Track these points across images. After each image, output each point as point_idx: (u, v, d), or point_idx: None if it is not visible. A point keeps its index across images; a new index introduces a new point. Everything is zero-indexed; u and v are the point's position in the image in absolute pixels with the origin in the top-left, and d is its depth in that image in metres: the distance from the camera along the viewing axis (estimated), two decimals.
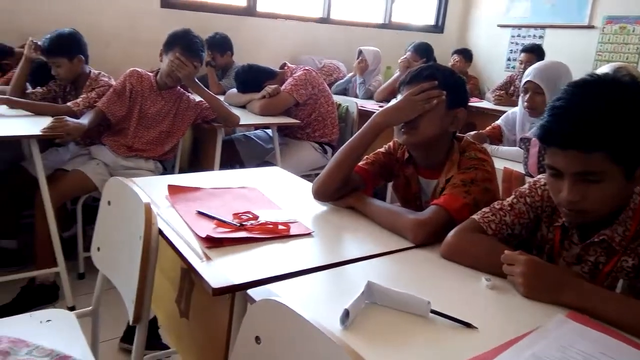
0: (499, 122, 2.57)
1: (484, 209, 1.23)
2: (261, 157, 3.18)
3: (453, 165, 1.41)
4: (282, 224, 1.30)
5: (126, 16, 3.48)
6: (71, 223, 2.62)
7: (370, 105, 3.68)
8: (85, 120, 2.36)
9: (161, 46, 2.52)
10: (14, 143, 2.64)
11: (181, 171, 2.93)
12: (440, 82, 1.37)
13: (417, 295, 0.95)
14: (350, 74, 4.26)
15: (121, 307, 1.24)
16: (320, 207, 1.50)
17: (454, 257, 1.18)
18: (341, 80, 4.26)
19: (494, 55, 5.48)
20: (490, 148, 2.27)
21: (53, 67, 2.52)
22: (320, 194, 1.50)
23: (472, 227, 1.19)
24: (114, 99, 2.47)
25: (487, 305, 1.02)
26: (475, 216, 1.21)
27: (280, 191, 1.62)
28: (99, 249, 1.41)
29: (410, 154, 1.52)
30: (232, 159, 3.15)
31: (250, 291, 1.02)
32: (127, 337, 1.98)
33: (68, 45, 2.51)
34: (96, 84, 2.58)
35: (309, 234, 1.29)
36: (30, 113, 2.41)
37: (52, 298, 2.33)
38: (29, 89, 2.58)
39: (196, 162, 3.25)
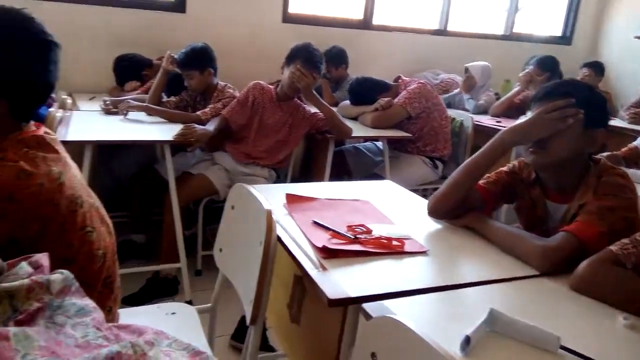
0: (636, 142, 2.34)
1: (622, 240, 1.11)
2: (370, 170, 3.19)
3: (588, 190, 1.29)
4: (396, 239, 1.29)
5: (250, 32, 3.70)
6: (192, 223, 2.83)
7: (486, 120, 3.53)
8: (210, 127, 2.53)
9: (282, 59, 2.65)
10: (149, 146, 2.92)
11: (293, 179, 3.03)
12: (578, 99, 1.27)
13: (544, 328, 0.88)
14: (456, 91, 4.09)
15: (233, 306, 1.30)
16: (435, 225, 1.46)
17: (587, 291, 1.08)
18: (444, 96, 4.11)
19: (628, 70, 4.97)
20: (629, 172, 2.06)
21: (186, 79, 2.75)
22: (437, 211, 1.46)
23: (608, 259, 1.09)
24: (237, 108, 2.63)
25: (624, 347, 0.92)
26: (612, 247, 1.10)
27: (392, 205, 1.61)
28: (221, 249, 1.50)
29: (537, 175, 1.42)
30: (341, 170, 3.19)
31: (365, 305, 1.02)
32: (238, 335, 2.08)
33: (200, 58, 2.72)
34: (222, 95, 2.77)
35: (423, 252, 1.26)
36: (164, 120, 2.65)
37: (173, 291, 2.52)
38: (164, 98, 2.84)
39: (307, 171, 3.34)
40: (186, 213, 2.75)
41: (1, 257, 0.95)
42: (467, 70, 3.91)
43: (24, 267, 0.63)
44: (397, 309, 0.99)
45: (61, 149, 1.06)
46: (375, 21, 4.22)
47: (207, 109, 2.70)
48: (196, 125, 2.42)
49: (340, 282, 1.07)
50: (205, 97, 2.84)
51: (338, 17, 4.11)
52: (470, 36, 4.66)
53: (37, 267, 0.64)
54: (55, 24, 3.22)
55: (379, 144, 3.24)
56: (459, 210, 1.43)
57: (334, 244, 1.23)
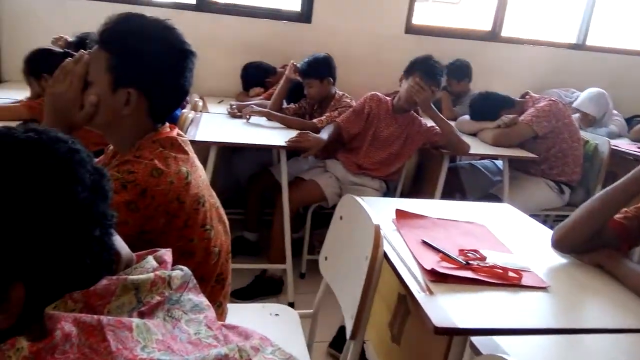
0: None
1: None
2: (485, 189, 3.02)
3: None
4: (512, 270, 1.19)
5: (372, 42, 3.71)
6: (301, 226, 2.90)
7: (626, 145, 3.17)
8: (324, 134, 2.57)
9: (402, 71, 2.61)
10: (266, 150, 3.05)
11: (403, 193, 2.98)
12: None
13: None
14: None
15: (334, 312, 1.30)
16: (559, 259, 1.33)
17: None
18: (576, 115, 3.73)
19: None
20: None
21: (306, 87, 2.84)
22: (563, 244, 1.33)
23: None
24: (352, 117, 2.65)
25: None
26: None
27: (510, 231, 1.50)
28: (326, 258, 1.51)
29: None
30: (454, 187, 3.07)
31: (473, 338, 0.96)
32: (336, 343, 2.09)
33: (321, 68, 2.79)
34: (339, 104, 2.81)
35: (543, 288, 1.15)
36: (282, 126, 2.75)
37: (277, 291, 2.61)
38: (285, 105, 2.96)
39: (418, 185, 3.26)
40: (295, 216, 2.83)
41: (131, 245, 1.05)
42: (577, 110, 3.49)
43: (150, 261, 0.67)
44: (510, 347, 0.92)
45: (190, 150, 1.14)
46: (504, 33, 4.01)
47: (323, 117, 2.75)
48: (311, 133, 2.47)
49: (447, 309, 1.02)
50: (322, 105, 2.90)
51: (463, 28, 3.97)
52: (613, 51, 4.23)
53: (161, 262, 0.68)
54: (196, 32, 3.48)
55: (499, 162, 3.06)
56: (588, 246, 1.29)
57: (444, 268, 1.17)
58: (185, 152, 1.11)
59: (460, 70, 3.60)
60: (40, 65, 2.20)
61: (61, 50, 2.32)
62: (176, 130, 1.15)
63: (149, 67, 1.04)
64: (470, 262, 1.21)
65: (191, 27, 3.38)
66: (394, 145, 2.66)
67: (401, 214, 1.49)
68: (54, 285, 0.55)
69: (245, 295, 2.50)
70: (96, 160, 1.26)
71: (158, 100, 1.08)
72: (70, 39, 2.72)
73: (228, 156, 3.15)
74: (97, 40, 1.05)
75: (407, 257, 1.24)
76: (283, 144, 2.39)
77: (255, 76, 3.31)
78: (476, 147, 2.78)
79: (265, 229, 2.84)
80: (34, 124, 0.61)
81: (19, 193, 0.52)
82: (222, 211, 1.25)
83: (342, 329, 2.08)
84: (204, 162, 2.28)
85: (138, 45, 1.03)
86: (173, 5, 3.43)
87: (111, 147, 1.22)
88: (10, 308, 0.53)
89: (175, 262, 0.71)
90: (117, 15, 1.05)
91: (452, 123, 2.82)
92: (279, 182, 2.49)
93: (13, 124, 2.05)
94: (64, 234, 0.55)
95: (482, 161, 3.23)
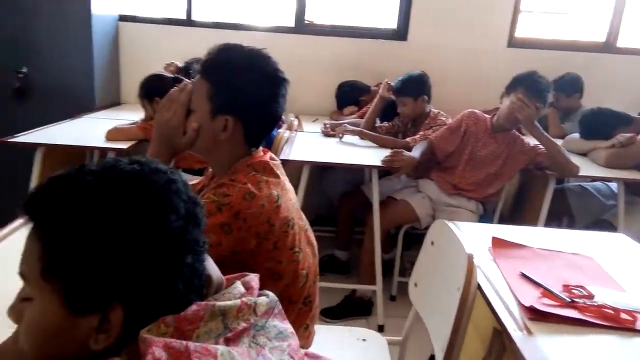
0: None
1: None
2: (597, 215, 2.77)
3: None
4: (625, 311, 1.07)
5: (471, 56, 3.59)
6: (392, 247, 2.85)
7: None
8: (416, 152, 2.51)
9: (502, 87, 2.49)
10: (358, 169, 3.06)
11: (502, 217, 2.81)
12: None
13: None
14: None
15: (424, 340, 1.25)
16: None
17: None
18: None
19: None
20: None
21: (399, 105, 2.80)
22: None
23: None
24: (446, 135, 2.57)
25: None
26: None
27: (624, 266, 1.35)
28: (416, 284, 1.47)
29: None
30: (561, 211, 2.84)
31: None
32: None
33: (415, 86, 2.74)
34: (434, 122, 2.74)
35: None
36: (375, 145, 2.74)
37: (366, 312, 2.57)
38: (378, 123, 2.95)
39: (519, 209, 3.07)
40: (387, 237, 2.79)
41: (222, 265, 1.09)
42: None
43: (238, 286, 0.69)
44: None
45: (282, 174, 1.18)
46: (620, 43, 3.67)
47: (416, 136, 2.70)
48: (404, 152, 2.43)
49: (548, 352, 0.93)
50: (416, 124, 2.84)
51: (573, 39, 3.70)
52: None
53: (248, 287, 0.70)
54: (293, 53, 3.63)
55: (613, 185, 2.79)
56: None
57: (545, 305, 1.08)
58: (277, 176, 1.15)
59: (570, 84, 3.34)
60: (152, 89, 2.41)
61: (171, 76, 2.52)
62: (269, 154, 1.19)
63: (244, 95, 1.09)
64: (576, 299, 1.10)
65: (289, 49, 3.55)
66: (493, 165, 2.53)
67: (498, 243, 1.40)
68: (149, 309, 0.59)
69: (334, 314, 2.50)
70: (198, 180, 1.34)
71: (253, 126, 1.13)
72: (179, 64, 2.95)
73: (320, 174, 3.20)
74: (199, 71, 1.13)
75: (503, 291, 1.16)
76: (375, 163, 2.38)
77: (349, 95, 3.35)
78: (587, 168, 2.56)
79: (356, 248, 2.83)
80: (138, 156, 0.66)
81: (121, 220, 0.57)
82: (311, 234, 1.26)
83: (432, 358, 2.00)
84: (297, 181, 2.34)
85: (234, 75, 1.08)
86: (273, 28, 3.58)
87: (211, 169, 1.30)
88: (111, 329, 0.57)
89: (264, 283, 0.73)
90: (217, 47, 1.12)
91: (560, 142, 2.63)
92: (371, 201, 2.48)
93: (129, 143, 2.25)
94: (158, 259, 0.59)
95: (594, 183, 2.96)
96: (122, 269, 0.57)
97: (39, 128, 2.56)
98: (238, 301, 0.65)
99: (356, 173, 3.10)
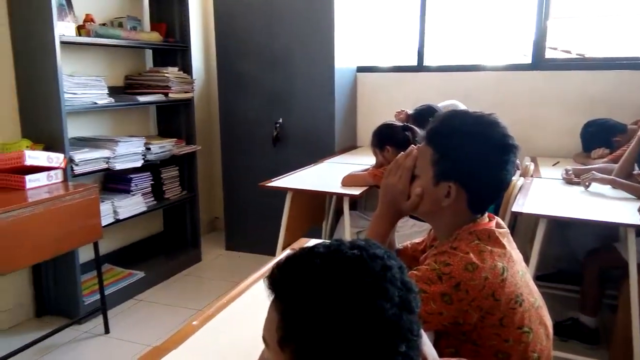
0: None
1: None
2: None
3: None
4: None
5: None
6: None
7: None
8: None
9: None
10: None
11: None
12: None
13: None
14: None
15: None
16: None
17: None
18: None
19: None
20: None
21: None
22: None
23: None
24: None
25: None
26: None
27: None
28: None
29: None
30: None
31: None
32: None
33: None
34: None
35: None
36: (632, 196, 2.31)
37: None
38: (636, 170, 2.49)
39: None
40: None
41: (446, 334, 1.05)
42: None
43: None
44: None
45: (507, 243, 1.09)
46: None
47: None
48: None
49: None
50: None
51: None
52: None
53: None
54: (529, 91, 3.41)
55: None
56: None
57: None
58: (502, 246, 1.07)
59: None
60: (383, 138, 2.54)
61: (401, 124, 2.62)
62: (495, 221, 1.12)
63: (468, 163, 1.06)
64: None
65: (525, 86, 3.35)
66: None
67: None
68: None
69: None
70: (420, 239, 1.34)
71: (477, 193, 1.08)
72: (409, 111, 3.04)
73: (563, 223, 2.85)
74: (424, 137, 1.14)
75: None
76: (632, 221, 2.01)
77: (599, 135, 2.92)
78: None
79: (607, 314, 2.41)
80: (361, 240, 0.70)
81: (341, 304, 0.61)
82: (544, 312, 1.12)
83: None
84: (532, 235, 2.13)
85: (458, 143, 1.06)
86: (508, 67, 3.41)
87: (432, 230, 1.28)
88: None
89: None
90: (442, 114, 1.12)
91: None
92: (626, 261, 2.09)
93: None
94: (371, 347, 0.60)
95: None
96: (341, 352, 0.60)
97: (289, 173, 2.95)
98: None
99: (607, 226, 2.66)
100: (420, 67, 3.70)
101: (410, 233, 2.47)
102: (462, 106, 2.79)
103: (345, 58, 3.64)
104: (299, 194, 2.72)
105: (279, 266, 0.67)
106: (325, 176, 2.93)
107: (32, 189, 2.44)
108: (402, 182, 1.16)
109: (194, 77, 3.51)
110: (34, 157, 2.43)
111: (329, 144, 3.56)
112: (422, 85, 3.58)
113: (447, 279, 1.01)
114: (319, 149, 3.51)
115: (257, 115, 3.71)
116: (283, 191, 2.72)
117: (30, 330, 2.70)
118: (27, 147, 2.58)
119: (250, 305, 1.25)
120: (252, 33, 3.60)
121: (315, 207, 3.17)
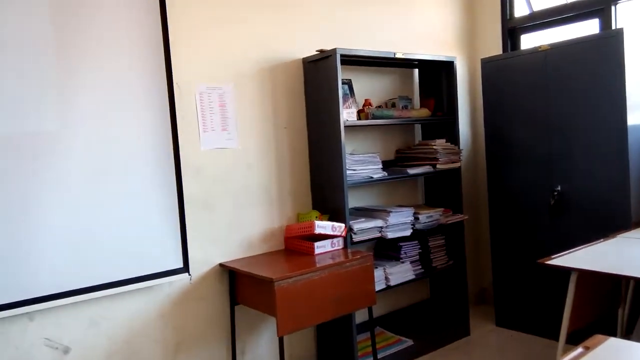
0: None
1: None
2: None
3: None
4: None
5: None
6: None
7: None
8: None
9: None
10: None
11: None
12: None
13: None
14: None
15: None
16: None
17: None
18: None
19: None
20: None
21: None
22: None
23: None
24: None
25: None
26: None
27: None
28: None
29: None
30: None
31: None
32: None
33: None
34: None
35: None
36: None
37: None
38: None
39: None
40: None
41: None
42: None
43: None
44: None
45: None
46: None
47: None
48: None
49: None
50: None
51: None
52: None
53: None
54: None
55: None
56: None
57: None
58: None
59: None
60: None
61: None
62: None
63: None
64: None
65: None
66: None
67: None
68: None
69: None
70: None
71: None
72: None
73: None
74: None
75: None
76: None
77: None
78: None
79: None
80: None
81: None
82: None
83: None
84: None
85: None
86: None
87: None
88: None
89: None
90: None
91: None
92: None
93: None
94: None
95: None
96: None
97: (573, 249, 2.59)
98: None
99: None
100: None
101: None
102: None
103: (637, 114, 3.10)
104: (585, 275, 2.35)
105: None
106: (618, 255, 2.46)
107: (319, 254, 2.77)
108: None
109: (461, 147, 3.52)
110: (322, 226, 2.77)
111: (622, 215, 3.02)
112: None
113: None
114: (609, 222, 3.01)
115: (530, 184, 3.44)
116: (564, 270, 2.39)
117: None
118: (316, 217, 2.97)
119: None
120: (523, 99, 3.43)
121: (607, 290, 2.68)
